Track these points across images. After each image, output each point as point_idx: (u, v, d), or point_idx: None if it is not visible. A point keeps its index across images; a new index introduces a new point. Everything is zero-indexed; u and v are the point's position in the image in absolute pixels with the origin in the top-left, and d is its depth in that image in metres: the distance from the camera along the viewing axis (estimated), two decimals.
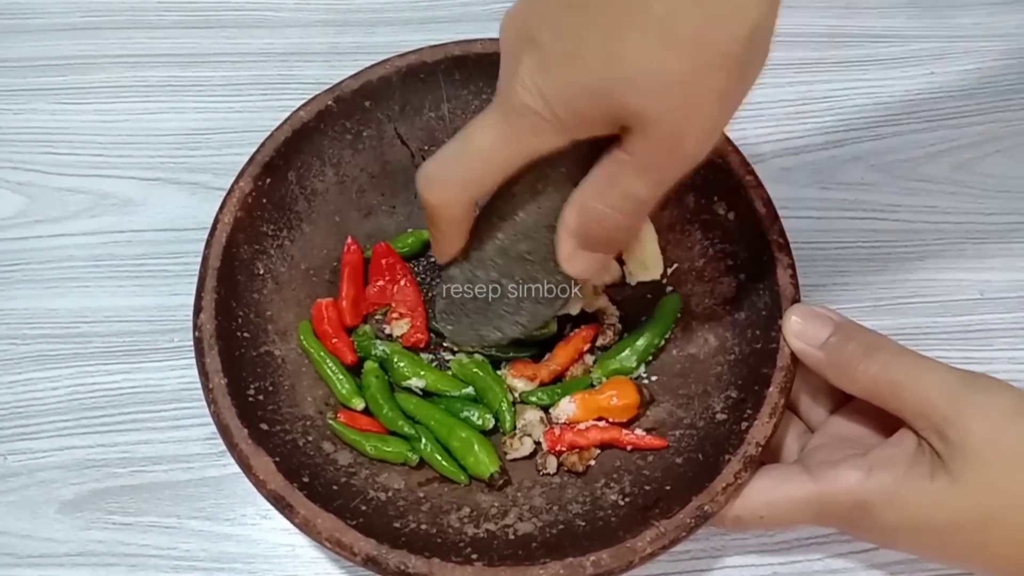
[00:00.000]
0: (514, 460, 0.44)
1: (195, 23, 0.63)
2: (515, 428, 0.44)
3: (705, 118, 0.31)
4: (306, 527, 0.37)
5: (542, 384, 0.46)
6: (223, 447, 0.39)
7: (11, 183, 0.56)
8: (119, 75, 0.60)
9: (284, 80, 0.60)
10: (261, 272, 0.45)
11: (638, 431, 0.43)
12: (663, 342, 0.46)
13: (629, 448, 0.43)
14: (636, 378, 0.46)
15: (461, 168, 0.35)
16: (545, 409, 0.45)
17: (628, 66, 0.30)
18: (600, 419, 0.44)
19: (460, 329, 0.44)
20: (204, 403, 0.40)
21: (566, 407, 0.44)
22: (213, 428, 0.40)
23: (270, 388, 0.42)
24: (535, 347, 0.47)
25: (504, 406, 0.44)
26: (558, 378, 0.46)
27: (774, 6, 0.30)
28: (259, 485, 0.38)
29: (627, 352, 0.46)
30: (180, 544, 0.46)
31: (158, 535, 0.46)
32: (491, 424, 0.44)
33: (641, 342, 0.46)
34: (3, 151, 0.57)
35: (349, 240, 0.48)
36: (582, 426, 0.44)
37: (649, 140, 0.31)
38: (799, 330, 0.41)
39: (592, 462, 0.43)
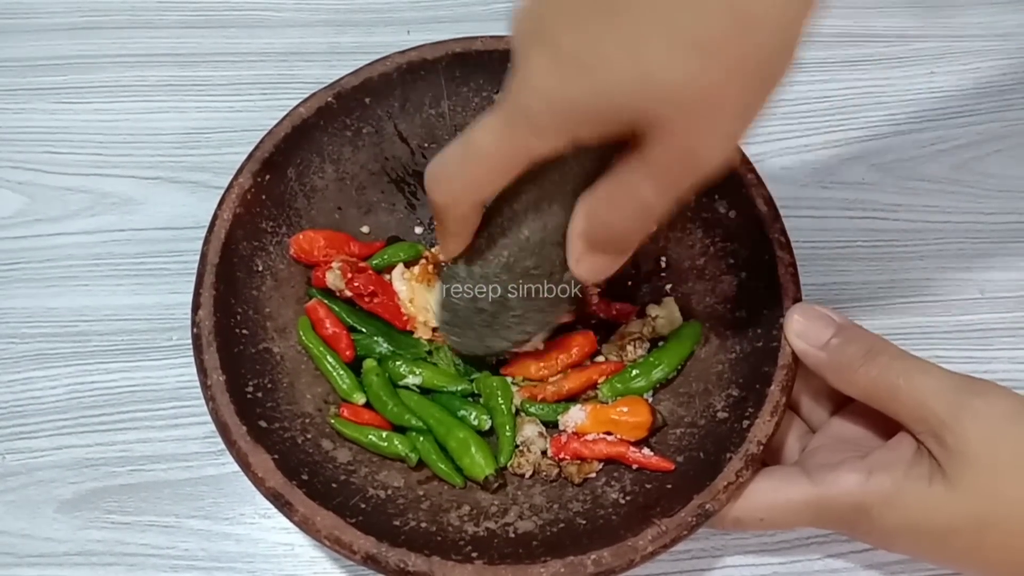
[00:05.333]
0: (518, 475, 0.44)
1: (195, 23, 0.63)
2: (515, 447, 0.44)
3: (723, 126, 0.31)
4: (305, 525, 0.37)
5: (543, 401, 0.45)
6: (222, 446, 0.39)
7: (11, 182, 0.56)
8: (119, 75, 0.60)
9: (284, 80, 0.60)
10: (260, 269, 0.45)
11: (645, 450, 0.42)
12: (676, 373, 0.45)
13: (635, 467, 0.42)
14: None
15: (465, 169, 0.35)
16: (545, 424, 0.45)
17: (651, 72, 0.29)
18: (608, 433, 0.43)
19: (466, 341, 0.44)
20: (203, 401, 0.40)
21: (576, 415, 0.44)
22: (212, 426, 0.39)
23: (269, 385, 0.42)
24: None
25: (507, 432, 0.44)
26: (560, 401, 0.46)
27: (799, 15, 0.29)
28: (258, 483, 0.38)
29: (639, 377, 0.45)
30: (179, 543, 0.46)
31: (157, 534, 0.46)
32: (487, 425, 0.44)
33: (655, 373, 0.45)
34: (3, 150, 0.57)
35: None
36: (589, 437, 0.43)
37: (665, 146, 0.31)
38: (801, 330, 0.41)
39: (592, 475, 0.43)
